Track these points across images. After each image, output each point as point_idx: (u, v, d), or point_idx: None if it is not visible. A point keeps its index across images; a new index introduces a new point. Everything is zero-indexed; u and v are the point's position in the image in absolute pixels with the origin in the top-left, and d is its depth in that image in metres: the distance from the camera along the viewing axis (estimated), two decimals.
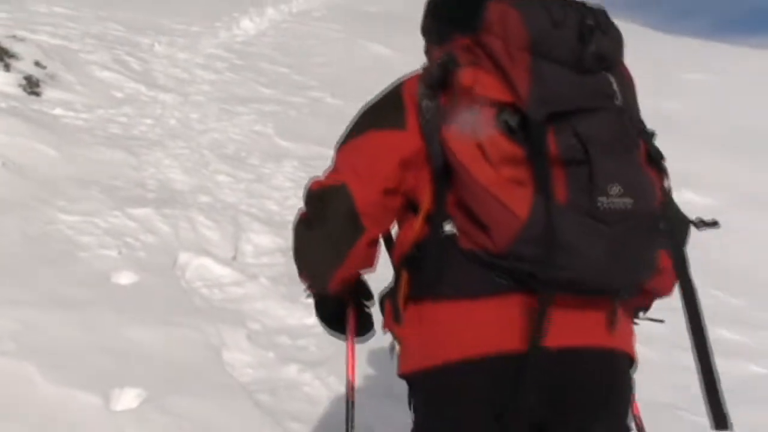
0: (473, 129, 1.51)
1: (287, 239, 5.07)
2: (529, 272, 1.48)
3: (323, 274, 1.77)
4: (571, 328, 1.53)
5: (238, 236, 5.19)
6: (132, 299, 3.82)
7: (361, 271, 1.82)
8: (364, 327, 1.99)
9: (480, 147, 1.50)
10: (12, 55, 7.55)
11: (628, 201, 1.48)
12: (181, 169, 6.19)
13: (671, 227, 1.61)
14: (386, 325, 1.73)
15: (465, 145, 1.52)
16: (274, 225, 5.48)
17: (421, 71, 1.70)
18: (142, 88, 8.47)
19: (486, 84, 1.53)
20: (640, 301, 1.74)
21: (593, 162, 1.47)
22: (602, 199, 1.46)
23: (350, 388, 2.01)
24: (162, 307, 3.79)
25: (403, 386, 1.70)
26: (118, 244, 4.42)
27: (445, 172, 1.56)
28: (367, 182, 1.62)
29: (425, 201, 1.61)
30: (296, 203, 5.94)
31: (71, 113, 6.86)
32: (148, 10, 12.88)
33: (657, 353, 4.20)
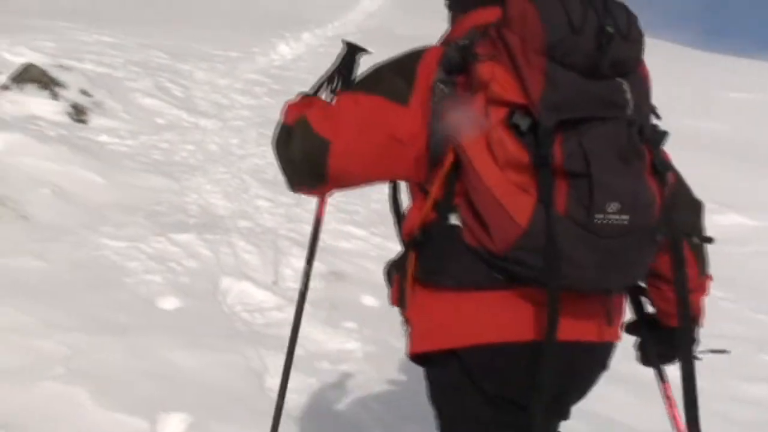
0: (484, 126, 1.53)
1: (327, 263, 5.19)
2: (525, 275, 1.55)
3: (283, 166, 1.84)
4: (573, 324, 1.62)
5: (278, 260, 5.26)
6: (176, 324, 3.89)
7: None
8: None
9: (489, 146, 1.53)
10: (60, 84, 7.77)
11: (624, 218, 1.53)
12: (222, 194, 6.31)
13: (672, 235, 1.67)
14: (394, 301, 1.81)
15: (474, 141, 1.54)
16: None
17: (440, 47, 1.71)
18: (184, 114, 8.65)
19: (502, 82, 1.54)
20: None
21: (594, 177, 1.50)
22: (599, 216, 1.51)
23: (317, 220, 2.45)
24: (205, 332, 3.86)
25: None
26: (162, 269, 4.52)
27: (454, 163, 1.59)
28: (349, 148, 1.68)
29: (434, 187, 1.64)
30: (336, 227, 6.07)
31: (116, 140, 7.04)
32: (189, 37, 13.17)
33: None
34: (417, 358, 1.76)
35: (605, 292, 1.67)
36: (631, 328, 2.01)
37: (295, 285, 5.01)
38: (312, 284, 5.09)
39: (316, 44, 15.71)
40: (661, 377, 2.08)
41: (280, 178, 2.55)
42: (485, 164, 1.53)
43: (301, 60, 14.11)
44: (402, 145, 1.65)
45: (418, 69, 1.66)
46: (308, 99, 1.91)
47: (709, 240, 1.84)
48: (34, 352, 3.22)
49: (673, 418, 2.03)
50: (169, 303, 4.17)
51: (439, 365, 1.72)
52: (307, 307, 4.53)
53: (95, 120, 7.55)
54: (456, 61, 1.62)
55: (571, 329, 1.62)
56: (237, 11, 18.49)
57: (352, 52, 2.12)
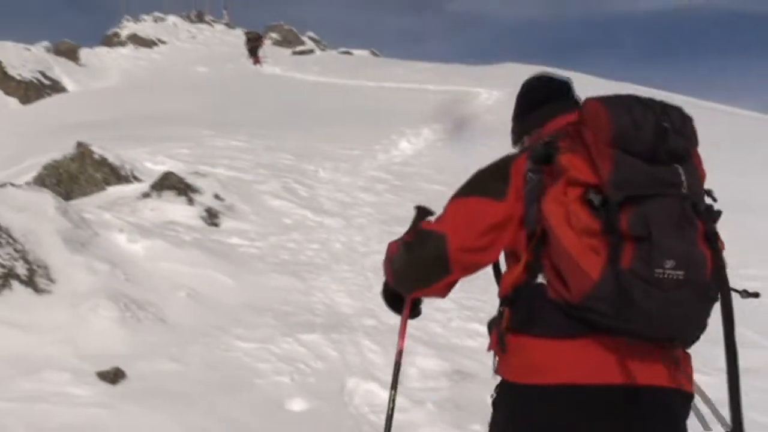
0: (564, 202, 1.94)
1: (452, 362, 5.15)
2: (599, 321, 1.89)
3: (407, 288, 2.35)
4: (644, 369, 1.94)
5: (403, 360, 5.26)
6: (304, 427, 3.95)
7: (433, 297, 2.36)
8: (414, 312, 2.62)
9: (567, 217, 1.92)
10: (195, 190, 8.26)
11: (680, 273, 1.84)
12: (347, 292, 6.44)
13: (722, 294, 1.90)
14: (492, 348, 2.19)
15: (556, 213, 1.94)
16: (438, 347, 5.53)
17: (526, 151, 2.14)
18: (309, 214, 8.96)
19: (579, 167, 1.95)
20: None
21: (653, 240, 1.84)
22: (659, 270, 1.83)
23: (399, 353, 2.77)
24: None
25: None
26: (290, 370, 4.62)
27: (542, 233, 1.98)
28: (461, 237, 2.10)
29: (524, 254, 2.04)
30: (460, 324, 6.04)
31: (246, 242, 7.36)
32: (314, 137, 13.74)
33: None
34: (505, 385, 2.10)
35: (669, 343, 1.96)
36: None
37: (420, 385, 5.02)
38: (436, 384, 5.10)
39: (435, 139, 16.01)
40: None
41: None
42: (564, 231, 1.92)
43: (421, 155, 14.40)
44: (500, 229, 2.08)
45: (511, 168, 2.11)
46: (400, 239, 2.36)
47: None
48: None
49: None
50: (297, 405, 4.25)
51: (543, 399, 1.98)
52: (432, 407, 4.56)
53: (227, 223, 7.94)
54: (542, 154, 2.03)
55: (642, 373, 1.93)
56: (362, 109, 19.17)
57: (423, 214, 2.50)
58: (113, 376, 4.02)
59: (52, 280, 4.85)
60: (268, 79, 30.21)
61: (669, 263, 1.84)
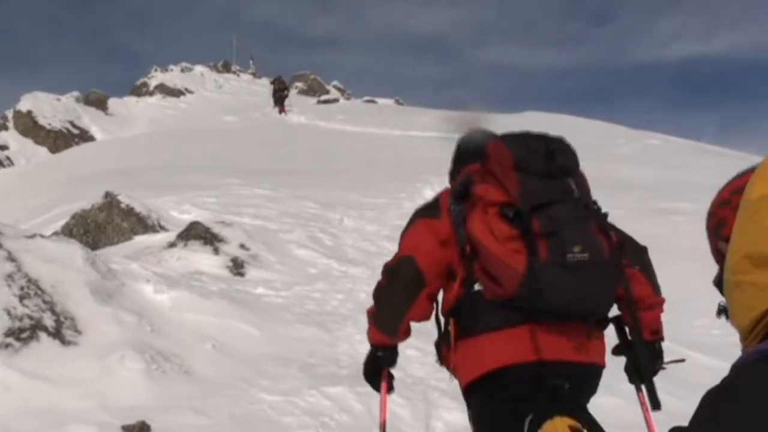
0: (485, 220, 2.48)
1: None
2: (530, 308, 2.40)
3: (397, 316, 2.66)
4: (568, 347, 2.47)
5: (428, 413, 5.19)
6: None
7: (419, 321, 2.69)
8: (391, 387, 3.03)
9: (491, 230, 2.46)
10: (221, 239, 8.30)
11: (585, 255, 2.41)
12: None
13: (616, 269, 2.52)
14: (444, 361, 2.71)
15: (481, 230, 2.47)
16: (461, 400, 5.44)
17: (449, 190, 2.75)
18: (334, 264, 8.95)
19: (491, 192, 2.51)
20: (650, 317, 2.69)
21: (560, 233, 2.41)
22: (569, 255, 2.39)
23: (382, 425, 3.01)
24: None
25: None
26: (315, 424, 4.56)
27: (472, 251, 2.50)
28: (423, 251, 2.59)
29: (459, 271, 2.57)
30: None
31: (272, 292, 7.35)
32: (340, 186, 13.80)
33: None
34: (465, 391, 2.61)
35: (584, 320, 2.49)
36: (616, 351, 2.73)
37: None
38: None
39: None
40: (638, 387, 2.74)
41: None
42: (491, 243, 2.44)
43: None
44: (448, 243, 2.58)
45: (440, 201, 2.71)
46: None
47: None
48: None
49: (647, 420, 2.74)
50: None
51: (479, 389, 2.52)
52: None
53: (252, 272, 7.96)
54: (460, 190, 2.63)
55: (559, 351, 2.44)
56: (387, 158, 19.25)
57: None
58: (138, 430, 4.00)
59: (78, 332, 4.86)
60: (293, 128, 30.54)
61: (576, 248, 2.40)
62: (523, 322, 2.42)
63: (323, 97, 49.53)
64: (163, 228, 9.61)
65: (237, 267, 7.93)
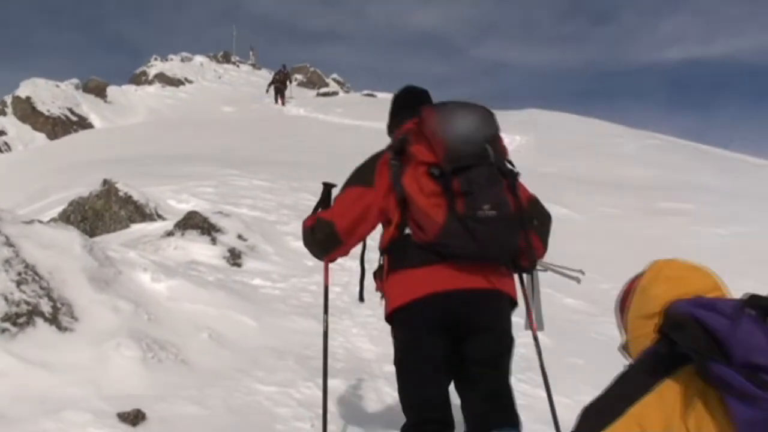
0: (416, 176, 3.03)
1: None
2: (446, 252, 3.00)
3: (317, 256, 3.58)
4: (472, 279, 3.05)
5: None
6: None
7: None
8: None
9: (419, 186, 3.01)
10: (218, 230, 8.29)
11: (494, 212, 2.98)
12: (368, 337, 6.38)
13: (521, 222, 3.15)
14: (378, 288, 3.34)
15: (411, 184, 3.03)
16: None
17: (389, 147, 3.25)
18: None
19: (422, 153, 3.05)
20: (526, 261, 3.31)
21: (475, 193, 2.97)
22: (480, 211, 2.96)
23: (325, 287, 4.08)
24: None
25: None
26: (311, 416, 4.56)
27: (404, 201, 3.06)
28: (342, 219, 3.23)
29: (394, 216, 3.13)
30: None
31: (269, 283, 7.34)
32: (337, 179, 13.76)
33: None
34: (389, 317, 3.22)
35: (493, 262, 3.10)
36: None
37: None
38: (459, 429, 5.02)
39: None
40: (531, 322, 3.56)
41: None
42: (419, 197, 3.01)
43: None
44: (371, 207, 3.17)
45: (377, 162, 3.24)
46: (312, 214, 3.49)
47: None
48: None
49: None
50: None
51: (411, 310, 3.08)
52: None
53: (249, 263, 7.95)
54: (398, 147, 3.15)
55: (470, 281, 3.04)
56: None
57: (328, 189, 3.62)
58: (134, 418, 3.99)
59: (75, 318, 4.85)
60: (292, 120, 30.50)
61: (486, 206, 2.96)
62: (440, 262, 3.02)
63: (322, 90, 49.47)
64: (160, 217, 9.59)
65: (234, 257, 7.92)
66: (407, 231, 3.08)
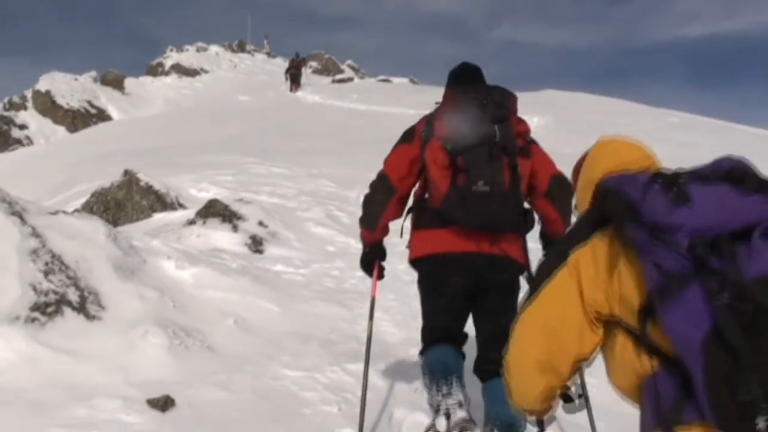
0: (433, 149, 3.58)
1: None
2: (450, 218, 3.56)
3: (377, 216, 3.90)
4: (468, 244, 3.60)
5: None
6: None
7: (392, 221, 3.94)
8: (382, 275, 4.21)
9: (434, 158, 3.57)
10: (239, 217, 8.32)
11: (487, 188, 3.45)
12: (392, 321, 6.39)
13: (558, 196, 3.74)
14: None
15: (429, 156, 3.60)
16: None
17: (425, 117, 3.83)
18: (352, 242, 8.92)
19: (440, 129, 3.60)
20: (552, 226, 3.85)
21: (471, 170, 3.46)
22: (475, 187, 3.46)
23: (372, 299, 4.30)
24: None
25: None
26: (337, 400, 4.59)
27: (426, 169, 3.68)
28: (396, 170, 3.79)
29: (420, 182, 3.82)
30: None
31: (290, 269, 7.37)
32: (354, 165, 13.77)
33: None
34: (412, 262, 3.88)
35: (489, 230, 3.59)
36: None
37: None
38: (483, 413, 5.02)
39: None
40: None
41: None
42: (432, 167, 3.59)
43: None
44: (416, 161, 3.73)
45: (417, 127, 3.81)
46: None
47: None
48: None
49: None
50: None
51: (422, 264, 3.81)
52: None
53: (271, 250, 7.98)
54: (428, 121, 3.74)
55: (477, 245, 3.60)
56: None
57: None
58: (163, 404, 4.04)
59: (102, 307, 4.91)
60: (308, 107, 30.50)
61: (480, 183, 3.45)
62: (444, 226, 3.61)
63: (337, 77, 49.35)
64: (181, 206, 9.64)
65: (256, 244, 7.95)
66: (427, 195, 3.77)
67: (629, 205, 1.84)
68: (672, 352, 1.72)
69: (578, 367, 2.09)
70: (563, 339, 2.01)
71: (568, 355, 2.04)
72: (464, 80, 3.85)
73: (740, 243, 1.69)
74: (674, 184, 1.84)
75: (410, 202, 3.93)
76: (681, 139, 22.06)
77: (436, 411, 3.57)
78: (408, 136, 3.82)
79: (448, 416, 3.47)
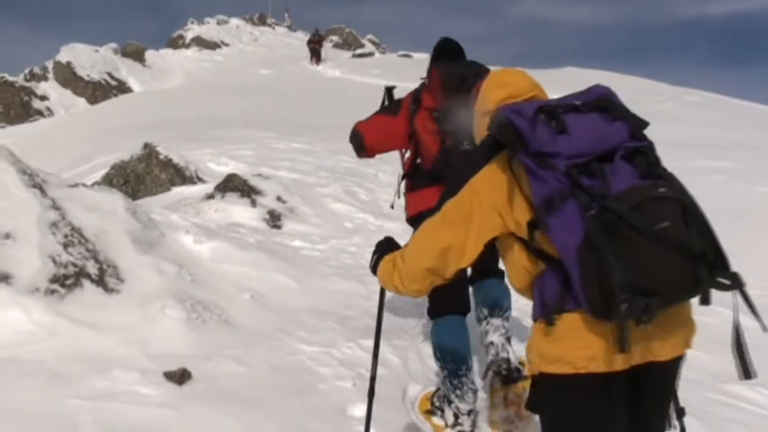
0: (423, 118, 4.03)
1: None
2: (439, 176, 3.91)
3: (358, 153, 4.47)
4: None
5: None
6: None
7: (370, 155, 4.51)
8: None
9: (424, 125, 4.01)
10: (258, 192, 8.35)
11: (471, 146, 3.50)
12: (408, 298, 6.40)
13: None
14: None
15: (419, 124, 4.04)
16: None
17: (412, 92, 4.24)
18: (370, 218, 8.96)
19: (429, 100, 4.05)
20: None
21: (457, 132, 3.77)
22: (461, 146, 3.81)
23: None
24: None
25: None
26: (352, 375, 4.62)
27: (414, 137, 4.10)
28: (371, 134, 4.31)
29: (411, 149, 4.20)
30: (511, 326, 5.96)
31: (308, 245, 7.39)
32: None
33: None
34: (409, 221, 4.22)
35: None
36: None
37: (481, 393, 4.95)
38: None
39: None
40: None
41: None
42: (423, 133, 4.01)
43: None
44: (396, 132, 4.19)
45: (403, 101, 4.25)
46: (371, 116, 4.46)
47: None
48: None
49: None
50: (359, 410, 4.23)
51: (417, 221, 3.46)
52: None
53: (289, 225, 8.01)
54: (415, 94, 4.19)
55: None
56: None
57: (389, 91, 4.63)
58: (180, 377, 4.08)
59: (121, 280, 4.95)
60: (328, 82, 30.41)
61: (465, 141, 3.75)
62: (436, 184, 3.94)
63: (358, 51, 49.13)
64: (200, 180, 9.69)
65: (274, 219, 7.98)
66: (418, 161, 4.16)
67: (519, 136, 2.18)
68: (555, 256, 2.12)
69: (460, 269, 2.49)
70: (455, 254, 2.43)
71: (455, 266, 2.46)
72: (447, 56, 4.22)
73: (608, 164, 2.11)
74: (554, 116, 2.20)
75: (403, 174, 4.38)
76: (700, 118, 21.80)
77: (448, 402, 4.00)
78: (393, 108, 4.31)
79: (456, 417, 3.94)
